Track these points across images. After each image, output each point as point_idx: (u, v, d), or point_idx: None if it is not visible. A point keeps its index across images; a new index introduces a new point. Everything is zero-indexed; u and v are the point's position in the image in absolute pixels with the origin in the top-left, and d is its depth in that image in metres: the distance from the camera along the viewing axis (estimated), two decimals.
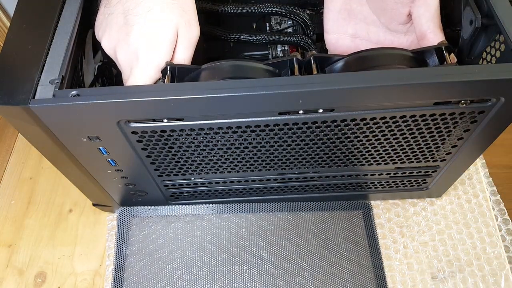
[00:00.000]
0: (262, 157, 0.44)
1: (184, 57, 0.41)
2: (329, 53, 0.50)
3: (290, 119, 0.37)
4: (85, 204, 0.58)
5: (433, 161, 0.47)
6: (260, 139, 0.40)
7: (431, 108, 0.37)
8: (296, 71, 0.38)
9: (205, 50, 0.52)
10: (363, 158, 0.45)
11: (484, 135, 0.41)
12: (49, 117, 0.35)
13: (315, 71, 0.39)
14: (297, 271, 0.51)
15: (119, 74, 0.44)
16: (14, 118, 0.35)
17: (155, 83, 0.41)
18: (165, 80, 0.39)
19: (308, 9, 0.55)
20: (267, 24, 0.55)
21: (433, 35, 0.40)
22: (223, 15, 0.53)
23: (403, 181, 0.52)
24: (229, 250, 0.53)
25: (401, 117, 0.38)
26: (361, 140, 0.41)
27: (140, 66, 0.40)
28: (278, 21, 0.55)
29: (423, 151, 0.44)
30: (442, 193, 0.57)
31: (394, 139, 0.41)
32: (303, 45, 0.53)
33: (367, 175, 0.50)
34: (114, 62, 0.44)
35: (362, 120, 0.38)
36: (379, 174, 0.50)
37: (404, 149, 0.44)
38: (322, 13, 0.55)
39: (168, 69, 0.39)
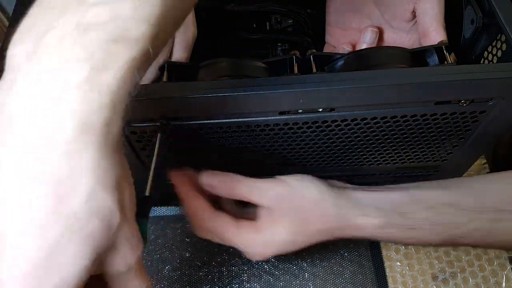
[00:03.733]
0: (261, 157, 0.44)
1: (181, 57, 0.41)
2: (327, 45, 0.50)
3: (291, 119, 0.37)
4: None
5: (434, 161, 0.47)
6: (260, 139, 0.39)
7: (432, 108, 0.37)
8: (296, 69, 0.38)
9: (204, 50, 0.52)
10: (364, 158, 0.45)
11: (486, 134, 0.41)
12: None
13: (314, 69, 0.39)
14: (297, 271, 0.51)
15: None
16: None
17: (153, 81, 0.41)
18: (163, 78, 0.39)
19: (308, 8, 0.55)
20: (267, 23, 0.55)
21: (436, 33, 0.40)
22: (222, 14, 0.53)
23: (404, 181, 0.52)
24: (228, 250, 0.52)
25: (402, 117, 0.37)
26: (362, 140, 0.41)
27: None
28: (279, 20, 0.55)
29: (424, 150, 0.44)
30: None
31: (395, 138, 0.41)
32: (303, 44, 0.52)
33: (367, 175, 0.49)
34: None
35: (362, 119, 0.37)
36: (380, 174, 0.49)
37: (405, 148, 0.43)
38: (322, 12, 0.54)
39: (166, 66, 0.39)
